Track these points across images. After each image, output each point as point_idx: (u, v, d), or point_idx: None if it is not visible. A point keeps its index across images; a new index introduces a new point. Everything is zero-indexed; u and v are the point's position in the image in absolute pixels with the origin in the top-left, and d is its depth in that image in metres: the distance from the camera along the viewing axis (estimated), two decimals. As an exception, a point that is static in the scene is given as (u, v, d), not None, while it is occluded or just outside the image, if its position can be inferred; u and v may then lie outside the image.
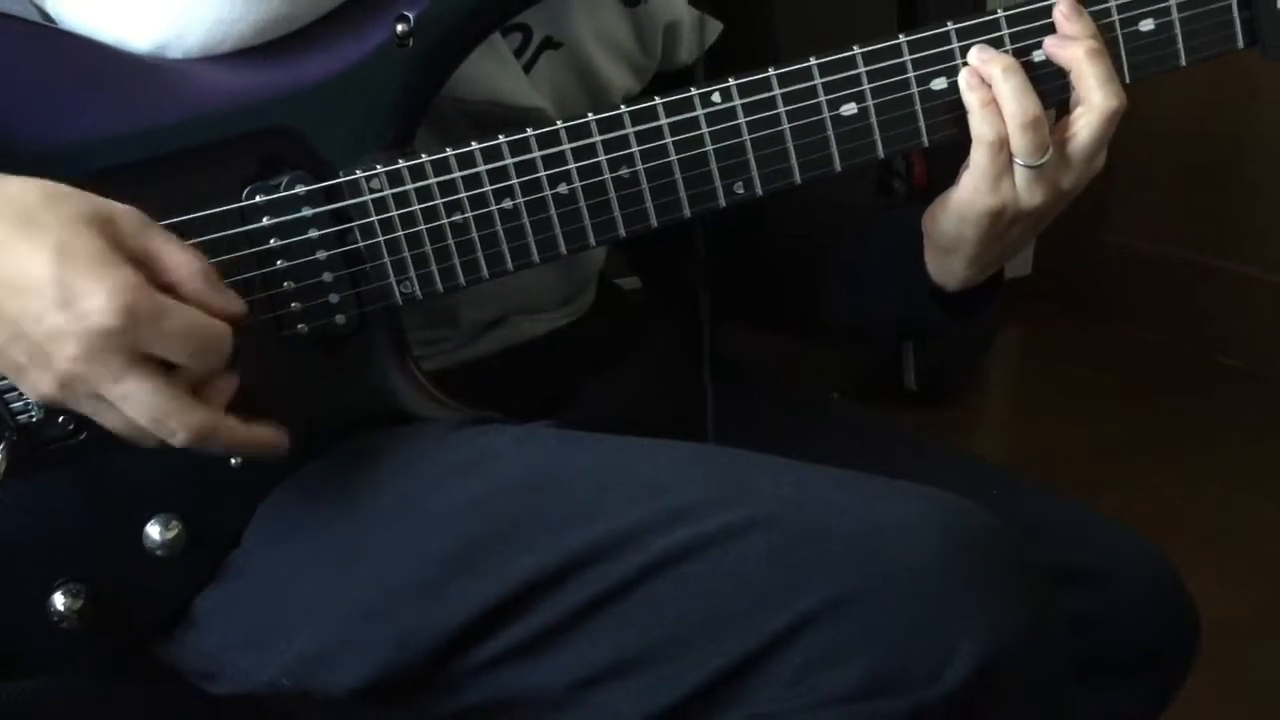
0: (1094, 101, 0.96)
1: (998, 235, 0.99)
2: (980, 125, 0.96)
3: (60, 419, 0.94)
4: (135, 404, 0.85)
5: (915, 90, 0.98)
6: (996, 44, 0.98)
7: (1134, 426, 2.59)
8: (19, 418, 0.94)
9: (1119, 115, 0.97)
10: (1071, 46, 0.96)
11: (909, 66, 0.97)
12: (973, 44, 0.97)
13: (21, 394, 0.93)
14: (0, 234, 0.84)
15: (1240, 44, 1.02)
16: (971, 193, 0.97)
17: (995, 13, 0.98)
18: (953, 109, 0.98)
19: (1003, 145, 0.96)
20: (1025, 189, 0.97)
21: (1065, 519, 1.09)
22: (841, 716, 0.83)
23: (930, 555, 0.84)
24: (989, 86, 0.96)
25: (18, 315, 0.84)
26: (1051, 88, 0.98)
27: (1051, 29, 0.98)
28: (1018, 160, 0.96)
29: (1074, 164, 0.97)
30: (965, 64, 0.97)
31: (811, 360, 2.28)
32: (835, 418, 1.21)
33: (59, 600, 0.96)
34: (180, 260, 0.87)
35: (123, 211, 0.87)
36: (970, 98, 0.96)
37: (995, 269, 1.04)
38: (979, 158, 0.96)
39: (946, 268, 1.04)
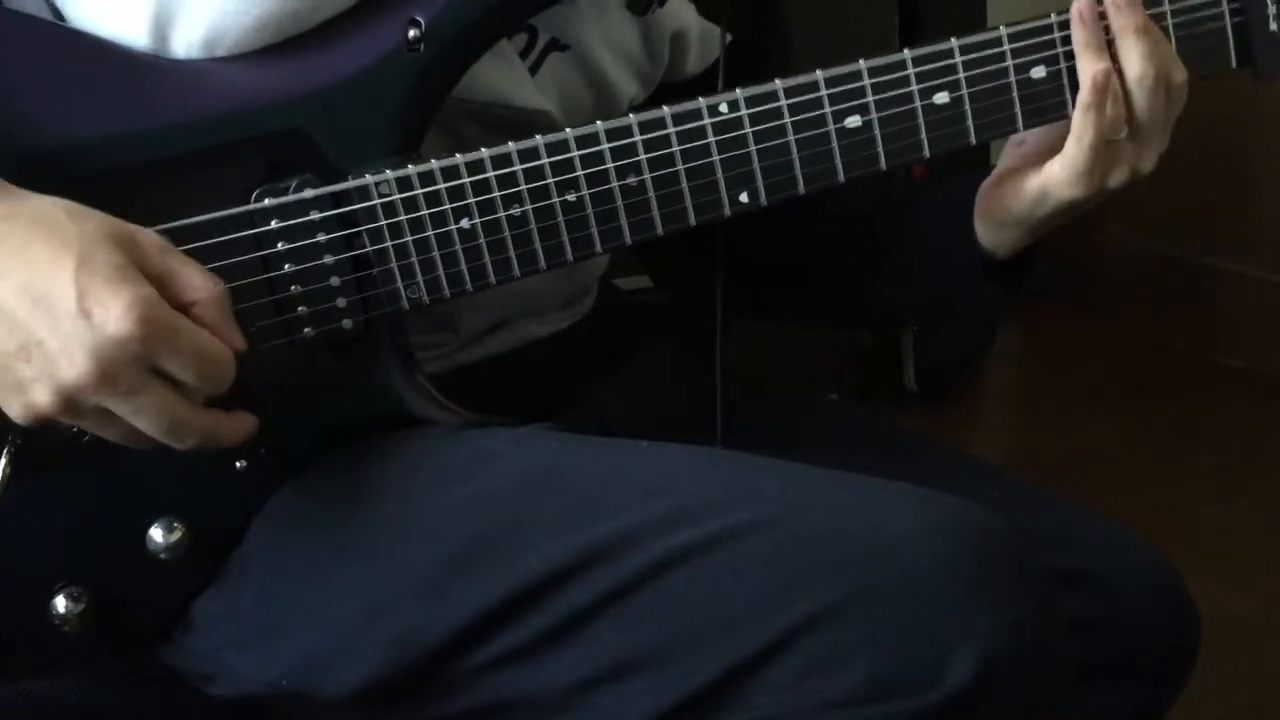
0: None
1: (1068, 213, 1.01)
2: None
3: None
4: (151, 415, 0.86)
5: (919, 104, 0.99)
6: (998, 59, 1.00)
7: (1134, 426, 2.58)
8: None
9: (1161, 85, 0.99)
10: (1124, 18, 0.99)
11: (912, 80, 0.99)
12: (975, 58, 0.99)
13: None
14: (22, 240, 0.84)
15: (1234, 63, 1.05)
16: (1069, 175, 0.99)
17: (998, 29, 1.00)
18: (954, 123, 0.99)
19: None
20: (1115, 171, 0.99)
21: (1065, 520, 1.09)
22: (842, 719, 0.83)
23: (931, 558, 0.84)
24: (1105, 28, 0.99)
25: (33, 323, 0.83)
26: (1052, 103, 1.01)
27: (1051, 45, 1.00)
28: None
29: (1141, 138, 1.00)
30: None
31: (811, 361, 2.29)
32: (836, 419, 1.21)
33: (60, 603, 0.95)
34: (200, 283, 0.87)
35: (145, 233, 0.87)
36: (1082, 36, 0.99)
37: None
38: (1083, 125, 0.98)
39: (1002, 239, 1.05)
